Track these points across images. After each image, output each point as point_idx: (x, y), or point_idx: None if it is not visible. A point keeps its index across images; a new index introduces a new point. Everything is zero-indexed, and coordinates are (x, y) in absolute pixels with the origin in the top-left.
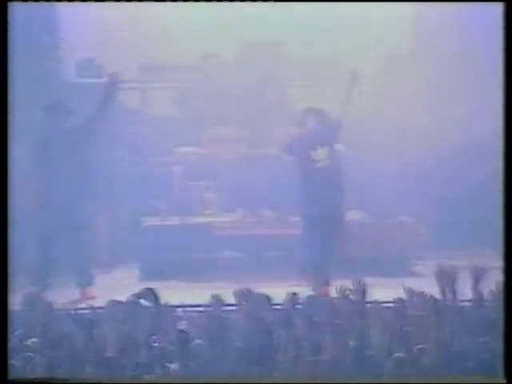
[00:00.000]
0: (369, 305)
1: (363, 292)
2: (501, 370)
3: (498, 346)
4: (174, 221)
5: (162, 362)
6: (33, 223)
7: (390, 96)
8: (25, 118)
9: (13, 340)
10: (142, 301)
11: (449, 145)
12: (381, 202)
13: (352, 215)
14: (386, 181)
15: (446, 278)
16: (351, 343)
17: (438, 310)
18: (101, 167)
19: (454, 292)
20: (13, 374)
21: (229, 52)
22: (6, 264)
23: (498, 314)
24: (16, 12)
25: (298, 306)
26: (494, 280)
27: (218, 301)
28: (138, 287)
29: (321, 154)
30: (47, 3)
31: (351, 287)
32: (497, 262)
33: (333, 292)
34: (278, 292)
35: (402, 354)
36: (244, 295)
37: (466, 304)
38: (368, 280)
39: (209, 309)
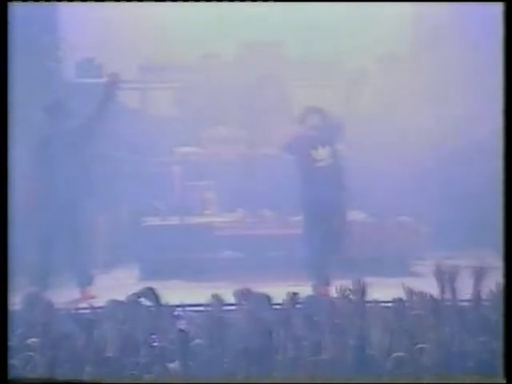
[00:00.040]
0: (369, 304)
1: (363, 292)
2: (501, 370)
3: (498, 345)
4: (174, 221)
5: (161, 362)
6: (33, 223)
7: (390, 96)
8: (25, 118)
9: (13, 340)
10: (143, 299)
11: (449, 145)
12: (381, 201)
13: (352, 215)
14: (386, 181)
15: (445, 278)
16: (351, 343)
17: (438, 310)
18: (101, 167)
19: (453, 291)
20: (13, 374)
21: (229, 52)
22: (5, 264)
23: (497, 314)
24: (16, 12)
25: (298, 306)
26: (494, 280)
27: (218, 300)
28: (138, 287)
29: (322, 153)
30: (47, 3)
31: (351, 287)
32: (497, 262)
33: (333, 292)
34: (278, 292)
35: (401, 354)
36: (244, 295)
37: (466, 304)
38: (368, 280)
39: (209, 308)
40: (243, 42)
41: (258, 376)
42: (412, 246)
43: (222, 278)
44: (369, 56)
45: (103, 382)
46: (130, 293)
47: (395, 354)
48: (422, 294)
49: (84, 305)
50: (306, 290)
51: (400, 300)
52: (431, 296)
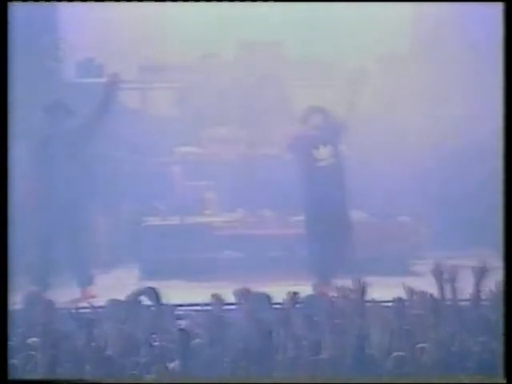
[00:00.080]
0: (369, 304)
1: (363, 291)
2: (501, 370)
3: (498, 345)
4: (174, 221)
5: (162, 361)
6: (33, 223)
7: (390, 96)
8: (25, 118)
9: (13, 339)
10: (143, 298)
11: (449, 145)
12: (381, 201)
13: (352, 215)
14: (386, 181)
15: (444, 277)
16: (351, 343)
17: (438, 310)
18: (101, 167)
19: (453, 291)
20: (13, 373)
21: (229, 52)
22: (6, 264)
23: (497, 314)
24: (16, 12)
25: (298, 306)
26: (494, 280)
27: (218, 300)
28: (138, 287)
29: (323, 152)
30: (47, 3)
31: (351, 287)
32: (497, 262)
33: (333, 291)
34: (278, 292)
35: (401, 354)
36: (244, 295)
37: (466, 304)
38: (368, 279)
39: (209, 308)
40: (243, 42)
41: (258, 376)
42: (412, 245)
43: (222, 277)
44: (369, 56)
45: (103, 381)
46: (130, 292)
47: (395, 354)
48: (422, 294)
49: (84, 304)
50: (306, 289)
51: (400, 300)
52: (431, 296)
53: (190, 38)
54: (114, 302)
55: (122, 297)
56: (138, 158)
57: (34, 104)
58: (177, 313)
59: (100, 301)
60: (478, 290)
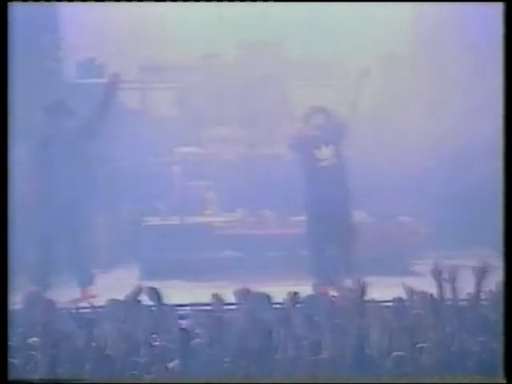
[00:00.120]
0: (368, 304)
1: (363, 291)
2: (501, 370)
3: (498, 345)
4: (174, 221)
5: (162, 361)
6: (33, 223)
7: (390, 96)
8: (25, 118)
9: (14, 339)
10: (144, 298)
11: (449, 145)
12: (381, 202)
13: (352, 215)
14: (386, 181)
15: (443, 277)
16: (351, 342)
17: (438, 310)
18: (101, 167)
19: (453, 291)
20: (14, 373)
21: (229, 52)
22: (6, 264)
23: (497, 314)
24: (16, 12)
25: (298, 306)
26: (494, 280)
27: (218, 300)
28: (135, 286)
29: (325, 152)
30: (47, 3)
31: (351, 287)
32: (497, 262)
33: (333, 291)
34: (278, 292)
35: (401, 353)
36: (244, 295)
37: (466, 303)
38: (368, 279)
39: (209, 308)
40: (243, 42)
41: (257, 376)
42: (412, 245)
43: (222, 277)
44: (369, 56)
45: (103, 381)
46: (128, 292)
47: (395, 354)
48: (421, 294)
49: (84, 304)
50: (306, 289)
51: (400, 299)
52: (431, 295)
53: (190, 38)
54: (114, 302)
55: (122, 297)
56: (138, 158)
57: (34, 104)
58: (177, 313)
59: (100, 301)
60: (478, 290)
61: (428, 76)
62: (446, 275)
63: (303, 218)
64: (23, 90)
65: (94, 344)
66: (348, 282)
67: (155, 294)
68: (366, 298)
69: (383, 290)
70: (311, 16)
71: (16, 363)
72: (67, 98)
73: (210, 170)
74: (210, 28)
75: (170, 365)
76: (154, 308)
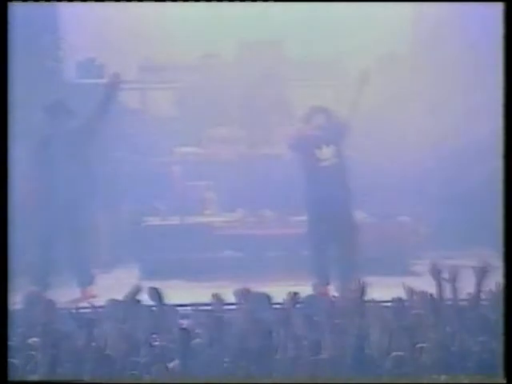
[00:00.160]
0: (368, 304)
1: (363, 291)
2: (501, 370)
3: (498, 345)
4: (174, 221)
5: (162, 361)
6: (33, 223)
7: (390, 96)
8: (25, 118)
9: (14, 339)
10: (144, 297)
11: (449, 145)
12: (381, 202)
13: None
14: (386, 181)
15: (442, 277)
16: (351, 343)
17: (438, 310)
18: (101, 167)
19: (452, 291)
20: (14, 373)
21: (229, 52)
22: (6, 264)
23: (497, 314)
24: (16, 12)
25: (298, 306)
26: (494, 280)
27: (218, 300)
28: (134, 286)
29: (326, 152)
30: (47, 3)
31: (351, 287)
32: (497, 262)
33: (333, 291)
34: (278, 292)
35: (401, 353)
36: (244, 295)
37: (466, 303)
38: (368, 279)
39: (209, 308)
40: (243, 41)
41: (257, 376)
42: (412, 245)
43: (222, 277)
44: (369, 56)
45: (103, 381)
46: (128, 292)
47: (395, 354)
48: (421, 294)
49: (84, 304)
50: (306, 289)
51: (400, 299)
52: (431, 295)
53: (190, 38)
54: (114, 302)
55: (122, 297)
56: (138, 158)
57: (34, 104)
58: (177, 313)
59: (100, 301)
60: (478, 290)
61: (428, 76)
62: (445, 275)
63: (303, 217)
64: (23, 90)
65: (94, 344)
66: (348, 282)
67: (156, 293)
68: (366, 298)
69: (383, 289)
70: (311, 16)
71: (16, 363)
72: (67, 97)
73: (209, 170)
74: (209, 28)
75: (170, 365)
76: (153, 308)
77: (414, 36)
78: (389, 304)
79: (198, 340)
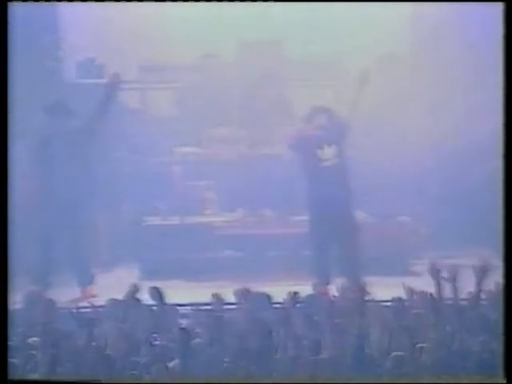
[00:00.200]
0: (368, 304)
1: (363, 291)
2: (501, 369)
3: (498, 345)
4: (174, 221)
5: (162, 361)
6: (33, 223)
7: (390, 96)
8: (25, 118)
9: (14, 339)
10: (145, 297)
11: (449, 145)
12: (381, 202)
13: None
14: (386, 181)
15: (441, 277)
16: (351, 342)
17: (438, 309)
18: (101, 167)
19: (452, 290)
20: (14, 373)
21: (229, 52)
22: (6, 264)
23: (497, 314)
24: (16, 12)
25: (298, 305)
26: (494, 280)
27: (218, 300)
28: (132, 285)
29: (327, 152)
30: (47, 3)
31: (351, 287)
32: (497, 262)
33: (333, 291)
34: (278, 291)
35: (401, 353)
36: (244, 294)
37: (466, 303)
38: (368, 279)
39: (209, 308)
40: (243, 42)
41: (257, 376)
42: (412, 245)
43: (222, 277)
44: (369, 56)
45: (103, 381)
46: (127, 291)
47: (395, 354)
48: (421, 294)
49: (84, 304)
50: (306, 289)
51: (400, 299)
52: (431, 295)
53: (190, 38)
54: (114, 302)
55: (122, 296)
56: (138, 158)
57: (34, 104)
58: (177, 312)
59: (100, 300)
60: (478, 290)
61: (428, 76)
62: (445, 274)
63: (303, 217)
64: (23, 90)
65: (94, 344)
66: (348, 282)
67: (157, 293)
68: (366, 297)
69: (383, 289)
70: (311, 16)
71: (16, 363)
72: (67, 97)
73: (209, 170)
74: (209, 28)
75: (170, 364)
76: (154, 308)
77: (413, 36)
78: (389, 304)
79: (198, 340)
